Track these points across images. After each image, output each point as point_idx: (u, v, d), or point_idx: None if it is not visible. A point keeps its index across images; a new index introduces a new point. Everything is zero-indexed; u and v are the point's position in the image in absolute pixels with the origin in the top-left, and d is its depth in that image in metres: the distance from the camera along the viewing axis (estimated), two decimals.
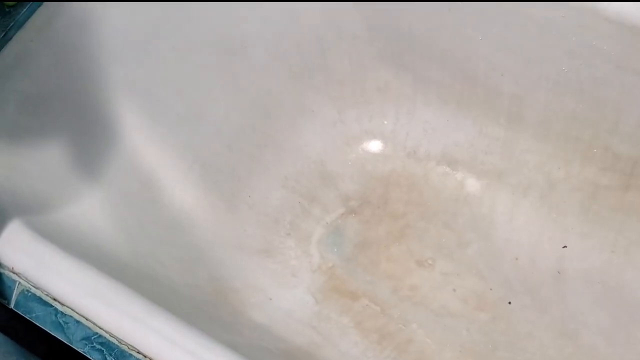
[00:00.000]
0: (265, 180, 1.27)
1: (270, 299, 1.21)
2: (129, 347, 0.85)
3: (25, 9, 1.07)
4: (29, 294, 0.90)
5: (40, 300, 0.90)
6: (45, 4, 1.05)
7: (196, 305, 1.06)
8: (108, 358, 0.86)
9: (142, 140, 1.13)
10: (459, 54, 1.17)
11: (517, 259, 1.24)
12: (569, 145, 1.19)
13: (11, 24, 1.05)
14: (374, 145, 1.35)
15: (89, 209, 1.03)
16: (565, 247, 1.23)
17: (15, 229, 0.91)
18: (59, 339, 0.89)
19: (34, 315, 0.90)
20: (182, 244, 1.14)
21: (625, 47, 1.01)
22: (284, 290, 1.23)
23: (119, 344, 0.86)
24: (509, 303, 1.22)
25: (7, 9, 1.07)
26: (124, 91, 1.12)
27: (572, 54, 1.06)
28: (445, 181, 1.31)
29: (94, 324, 0.86)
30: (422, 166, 1.32)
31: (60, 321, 0.89)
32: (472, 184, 1.29)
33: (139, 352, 0.84)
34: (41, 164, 1.02)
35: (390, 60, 1.26)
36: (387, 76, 1.29)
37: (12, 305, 0.91)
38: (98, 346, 0.87)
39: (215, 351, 0.82)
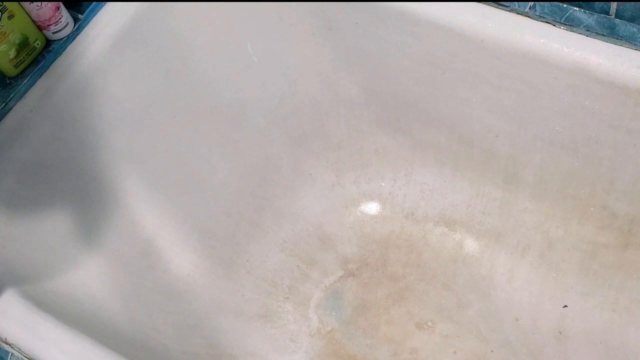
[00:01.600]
0: (264, 244, 1.24)
1: None
2: None
3: (26, 80, 1.06)
4: None
5: None
6: (46, 74, 1.06)
7: None
8: None
9: (141, 207, 1.11)
10: (453, 116, 1.16)
11: (517, 319, 1.20)
12: (567, 204, 1.16)
13: (12, 95, 1.05)
14: (372, 207, 1.32)
15: (86, 276, 1.00)
16: (566, 306, 1.19)
17: (9, 299, 0.89)
18: None
19: None
20: (180, 311, 1.10)
21: (617, 107, 1.00)
22: (282, 356, 1.18)
23: None
24: None
25: (7, 81, 1.07)
26: (122, 159, 1.10)
27: (565, 114, 1.04)
28: (444, 242, 1.27)
29: None
30: (421, 227, 1.29)
31: None
32: (471, 245, 1.26)
33: None
34: (38, 233, 0.99)
35: (387, 124, 1.25)
36: (384, 139, 1.27)
37: None
38: None
39: None
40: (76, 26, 1.12)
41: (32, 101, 1.03)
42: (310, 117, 1.24)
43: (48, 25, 1.08)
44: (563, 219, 1.18)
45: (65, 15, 1.10)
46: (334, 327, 1.22)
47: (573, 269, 1.20)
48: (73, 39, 1.09)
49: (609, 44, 0.98)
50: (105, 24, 1.09)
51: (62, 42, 1.10)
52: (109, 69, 1.07)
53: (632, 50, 0.96)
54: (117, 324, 0.96)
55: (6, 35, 1.04)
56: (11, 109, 1.02)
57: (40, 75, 1.05)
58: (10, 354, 0.87)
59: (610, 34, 0.98)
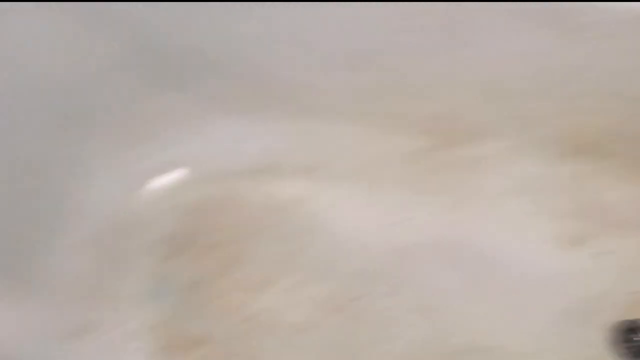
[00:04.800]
0: (61, 251, 1.07)
1: None
2: None
3: None
4: None
5: None
6: None
7: None
8: None
9: None
10: (234, 56, 1.03)
11: (358, 248, 1.13)
12: (384, 121, 1.08)
13: None
14: (178, 176, 1.17)
15: None
16: (401, 222, 1.13)
17: None
18: None
19: None
20: None
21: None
22: None
23: None
24: (357, 298, 1.10)
25: None
26: None
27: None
28: (266, 191, 1.15)
29: None
30: (237, 183, 1.15)
31: None
32: (294, 186, 1.14)
33: None
34: None
35: (166, 83, 1.09)
36: (169, 100, 1.11)
37: None
38: None
39: None
40: None
41: None
42: (75, 94, 1.07)
43: None
44: (383, 136, 1.10)
45: None
46: (166, 316, 1.06)
47: (399, 182, 1.13)
48: None
49: None
50: None
51: None
52: None
53: None
54: None
55: None
56: None
57: None
58: None
59: None
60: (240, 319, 1.06)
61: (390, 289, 1.09)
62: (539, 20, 0.88)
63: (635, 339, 1.06)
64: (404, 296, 1.09)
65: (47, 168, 1.04)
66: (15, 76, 0.99)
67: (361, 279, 1.10)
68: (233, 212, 1.13)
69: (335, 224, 1.12)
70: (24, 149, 1.01)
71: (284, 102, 1.06)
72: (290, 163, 1.14)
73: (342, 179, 1.13)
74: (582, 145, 1.02)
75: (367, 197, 1.13)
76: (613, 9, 0.83)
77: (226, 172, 1.16)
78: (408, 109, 1.03)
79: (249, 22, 0.95)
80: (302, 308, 1.08)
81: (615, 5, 0.82)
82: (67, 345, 0.98)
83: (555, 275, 1.09)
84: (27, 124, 1.01)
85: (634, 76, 0.91)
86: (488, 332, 1.07)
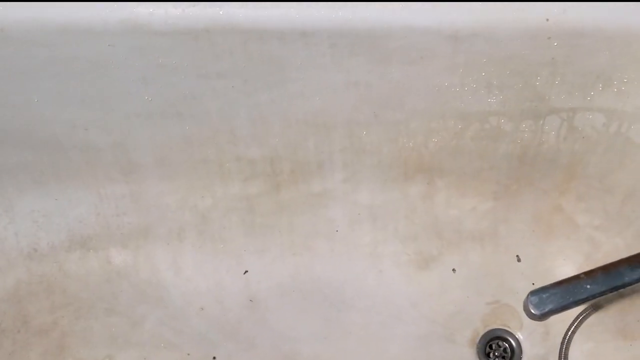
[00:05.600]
0: None
1: None
2: None
3: None
4: None
5: None
6: None
7: None
8: None
9: None
10: (26, 126, 0.91)
11: (202, 309, 1.02)
12: (201, 171, 0.97)
13: None
14: None
15: None
16: (246, 271, 1.05)
17: None
18: None
19: None
20: None
21: (194, 54, 0.83)
22: None
23: None
24: (214, 358, 1.01)
25: None
26: None
27: (145, 80, 0.85)
28: (87, 265, 1.02)
29: None
30: (52, 261, 1.02)
31: None
32: (119, 254, 1.02)
33: None
34: None
35: None
36: None
37: None
38: None
39: None
40: None
41: None
42: None
43: None
44: (205, 187, 1.01)
45: None
46: None
47: (238, 231, 1.05)
48: None
49: None
50: None
51: None
52: None
53: None
54: None
55: None
56: None
57: None
58: None
59: None
60: None
61: (245, 344, 1.01)
62: (354, 49, 0.83)
63: (499, 347, 1.05)
64: (260, 349, 1.01)
65: None
66: None
67: (211, 340, 1.00)
68: (56, 292, 1.00)
69: (174, 286, 1.02)
70: None
71: (98, 164, 0.95)
72: (121, 226, 1.02)
73: (181, 236, 1.03)
74: (417, 167, 0.99)
75: (210, 252, 1.03)
76: (413, 31, 0.79)
77: (44, 248, 1.03)
78: (238, 153, 0.95)
79: (32, 87, 0.84)
80: None
81: (416, 27, 0.79)
82: None
83: (414, 300, 1.05)
84: None
85: (447, 94, 0.88)
86: None
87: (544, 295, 0.63)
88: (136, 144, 0.93)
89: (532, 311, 0.63)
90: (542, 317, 0.63)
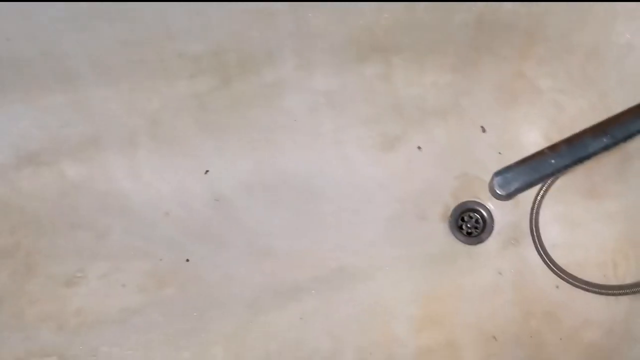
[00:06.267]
0: None
1: None
2: None
3: None
4: None
5: None
6: None
7: None
8: None
9: None
10: None
11: (167, 213, 0.99)
12: (140, 73, 0.91)
13: None
14: None
15: None
16: (207, 171, 1.02)
17: None
18: None
19: None
20: None
21: None
22: None
23: None
24: (187, 261, 1.00)
25: None
26: None
27: None
28: (41, 181, 0.97)
29: None
30: (3, 181, 0.96)
31: None
32: (72, 167, 0.97)
33: None
34: None
35: None
36: None
37: None
38: None
39: None
40: None
41: None
42: None
43: None
44: (150, 88, 0.94)
45: None
46: None
47: (192, 131, 1.00)
48: None
49: None
50: None
51: None
52: None
53: None
54: None
55: None
56: None
57: None
58: None
59: None
60: (62, 321, 0.94)
61: (216, 244, 0.99)
62: None
63: (471, 218, 1.05)
64: (233, 247, 1.00)
65: None
66: None
67: (181, 243, 0.98)
68: (12, 211, 0.96)
69: (135, 193, 0.98)
70: None
71: (33, 76, 0.88)
72: (67, 138, 0.96)
73: (131, 143, 0.98)
74: (371, 46, 0.93)
75: (166, 155, 0.99)
76: None
77: None
78: (178, 50, 0.88)
79: None
80: (128, 290, 0.96)
81: None
82: None
83: (382, 182, 1.03)
84: None
85: None
86: (327, 259, 1.01)
87: (508, 175, 0.61)
88: (67, 50, 0.85)
89: (498, 192, 0.61)
90: (509, 196, 0.61)
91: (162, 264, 0.97)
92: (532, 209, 1.01)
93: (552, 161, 0.61)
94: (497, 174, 0.61)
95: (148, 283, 0.96)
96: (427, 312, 1.00)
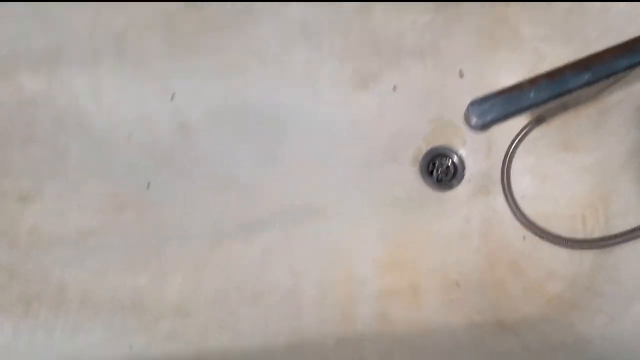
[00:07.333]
0: None
1: None
2: None
3: None
4: None
5: None
6: None
7: None
8: None
9: None
10: None
11: (129, 136, 0.95)
12: None
13: None
14: None
15: None
16: (174, 95, 0.97)
17: None
18: None
19: None
20: None
21: None
22: None
23: None
24: (148, 186, 0.96)
25: None
26: None
27: None
28: None
29: None
30: None
31: None
32: (31, 80, 0.90)
33: None
34: None
35: None
36: None
37: None
38: None
39: None
40: None
41: None
42: None
43: None
44: (116, 4, 0.88)
45: None
46: None
47: (160, 52, 0.94)
48: None
49: None
50: None
51: None
52: None
53: None
54: None
55: None
56: None
57: None
58: None
59: None
60: (14, 238, 0.89)
61: (179, 170, 0.95)
62: None
63: (442, 164, 1.02)
64: (196, 175, 0.96)
65: None
66: None
67: (143, 167, 0.94)
68: None
69: (97, 113, 0.93)
70: None
71: None
72: (22, 51, 0.90)
73: (94, 61, 0.92)
74: None
75: (131, 76, 0.93)
76: None
77: None
78: None
79: None
80: (85, 211, 0.92)
81: None
82: None
83: (353, 121, 0.99)
84: None
85: None
86: (292, 194, 0.98)
87: (485, 105, 0.57)
88: None
89: (473, 121, 0.57)
90: (484, 127, 0.58)
91: (122, 187, 0.93)
92: (505, 158, 0.98)
93: (531, 94, 0.57)
94: (473, 103, 0.58)
95: (106, 205, 0.92)
96: (392, 255, 0.97)
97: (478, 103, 0.57)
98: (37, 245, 0.89)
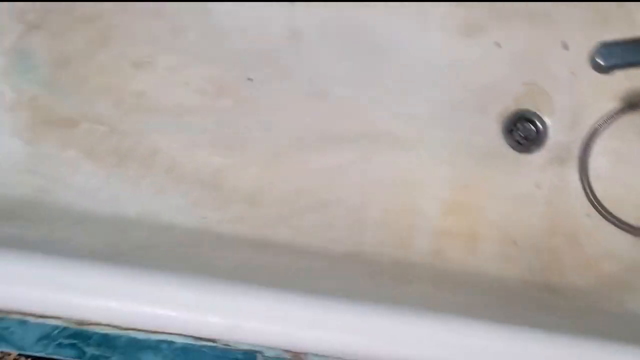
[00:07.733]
0: None
1: None
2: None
3: None
4: None
5: None
6: None
7: None
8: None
9: None
10: None
11: (245, 30, 0.99)
12: None
13: None
14: None
15: None
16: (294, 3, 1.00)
17: None
18: None
19: None
20: None
21: None
22: None
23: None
24: (249, 79, 1.00)
25: None
26: None
27: None
28: None
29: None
30: None
31: None
32: None
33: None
34: None
35: None
36: None
37: None
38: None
39: None
40: None
41: None
42: None
43: None
44: None
45: None
46: (35, 92, 0.94)
47: None
48: None
49: None
50: None
51: None
52: None
53: None
54: None
55: None
56: None
57: None
58: None
59: None
60: (121, 97, 0.95)
61: (281, 73, 0.99)
62: None
63: (525, 127, 1.04)
64: (295, 80, 1.00)
65: None
66: None
67: (249, 62, 0.98)
68: None
69: (222, 4, 0.97)
70: None
71: None
72: None
73: None
74: None
75: None
76: None
77: None
78: None
79: None
80: (189, 89, 0.97)
81: None
82: None
83: (452, 63, 1.01)
84: None
85: None
86: (378, 119, 1.01)
87: (615, 48, 0.59)
88: None
89: (598, 60, 0.60)
90: (607, 69, 0.60)
91: (226, 75, 0.98)
92: (589, 135, 1.00)
93: None
94: (604, 44, 0.60)
95: (209, 88, 0.97)
96: (458, 199, 1.00)
97: (608, 45, 0.60)
98: (139, 109, 0.95)
